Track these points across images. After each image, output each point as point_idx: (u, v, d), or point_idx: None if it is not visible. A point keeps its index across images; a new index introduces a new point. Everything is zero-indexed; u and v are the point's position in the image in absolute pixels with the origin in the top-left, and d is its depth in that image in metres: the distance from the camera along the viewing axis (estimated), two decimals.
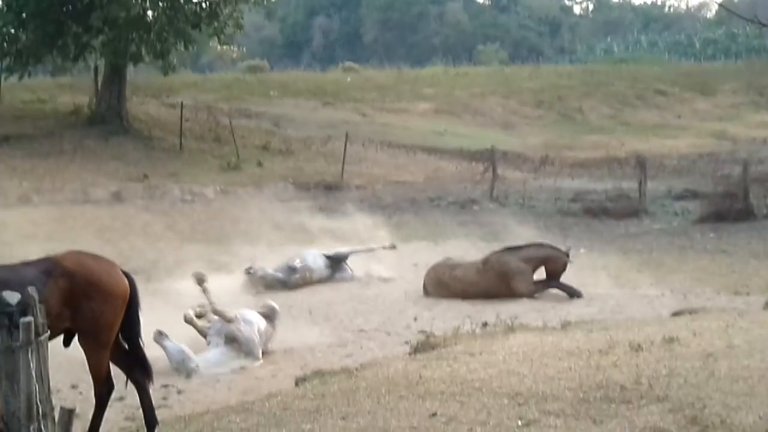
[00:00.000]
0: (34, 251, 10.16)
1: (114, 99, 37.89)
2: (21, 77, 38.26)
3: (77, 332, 9.15)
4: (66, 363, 10.14)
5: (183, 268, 20.66)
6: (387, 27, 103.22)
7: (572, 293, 17.89)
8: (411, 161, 37.53)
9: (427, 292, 18.66)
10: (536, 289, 18.26)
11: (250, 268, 19.38)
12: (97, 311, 9.04)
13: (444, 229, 26.70)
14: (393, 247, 20.59)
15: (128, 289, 9.53)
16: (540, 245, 19.16)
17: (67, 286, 8.88)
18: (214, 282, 17.74)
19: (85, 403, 10.07)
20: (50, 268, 8.97)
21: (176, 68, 43.04)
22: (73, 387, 11.85)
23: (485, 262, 18.63)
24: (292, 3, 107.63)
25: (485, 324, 13.98)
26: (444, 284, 18.48)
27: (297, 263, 19.76)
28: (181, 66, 54.76)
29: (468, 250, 22.74)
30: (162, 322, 15.35)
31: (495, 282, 18.22)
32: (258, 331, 13.86)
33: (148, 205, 29.38)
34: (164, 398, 11.75)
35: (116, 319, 9.32)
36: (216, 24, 38.71)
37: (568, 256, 18.45)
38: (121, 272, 9.63)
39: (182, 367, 13.11)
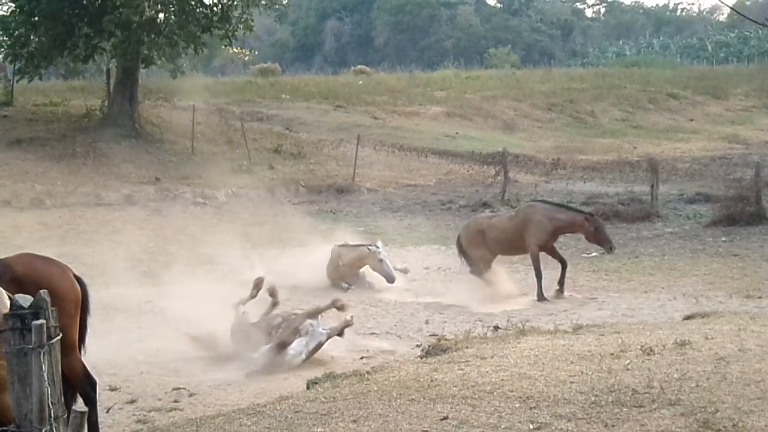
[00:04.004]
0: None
1: (126, 102, 37.99)
2: (30, 79, 38.39)
3: None
4: None
5: (194, 271, 20.73)
6: (398, 30, 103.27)
7: (541, 296, 18.11)
8: (422, 164, 37.54)
9: (460, 248, 19.50)
10: (540, 250, 18.65)
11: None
12: None
13: (455, 233, 26.64)
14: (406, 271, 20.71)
15: (80, 293, 9.48)
16: (568, 208, 19.66)
17: (17, 291, 8.81)
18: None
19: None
20: (0, 272, 8.89)
21: (186, 71, 43.18)
22: None
23: (518, 210, 19.71)
24: (303, 6, 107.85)
25: (496, 327, 13.96)
26: (481, 232, 19.10)
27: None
28: (192, 69, 54.92)
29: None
30: (171, 323, 15.41)
31: (518, 229, 18.78)
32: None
33: (159, 208, 29.43)
34: (176, 401, 11.77)
35: (72, 321, 9.24)
36: (228, 27, 38.79)
37: (590, 218, 18.76)
38: (72, 276, 9.54)
39: None
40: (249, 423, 8.46)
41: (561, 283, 18.42)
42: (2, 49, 39.11)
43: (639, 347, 10.11)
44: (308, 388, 10.55)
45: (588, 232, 18.76)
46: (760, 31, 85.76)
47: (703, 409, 7.90)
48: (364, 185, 34.12)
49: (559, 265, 18.71)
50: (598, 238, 18.82)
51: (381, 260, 19.35)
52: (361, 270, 20.07)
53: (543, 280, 18.46)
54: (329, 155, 38.04)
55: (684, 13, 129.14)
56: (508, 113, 52.78)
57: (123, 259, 22.04)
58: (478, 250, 19.13)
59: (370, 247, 19.56)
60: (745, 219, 25.93)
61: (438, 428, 7.89)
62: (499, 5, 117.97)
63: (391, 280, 19.27)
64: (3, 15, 40.18)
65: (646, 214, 28.09)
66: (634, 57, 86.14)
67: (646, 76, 63.53)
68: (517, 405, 8.34)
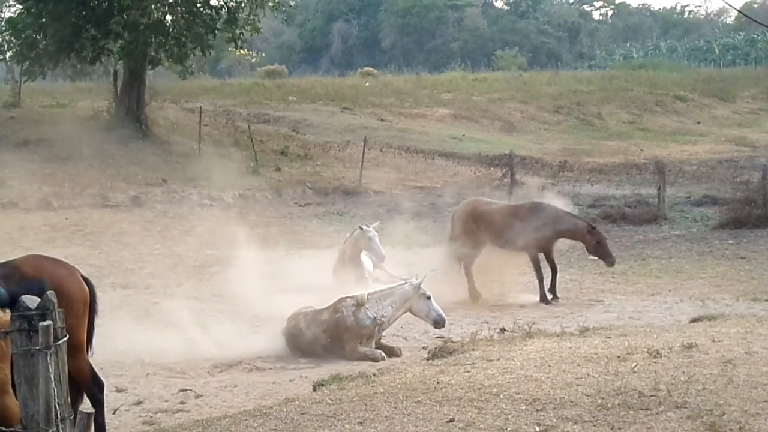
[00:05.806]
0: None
1: (133, 103, 38.01)
2: (34, 79, 38.47)
3: None
4: None
5: (202, 272, 20.75)
6: (405, 32, 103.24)
7: (543, 298, 18.06)
8: (429, 166, 37.49)
9: (452, 225, 19.49)
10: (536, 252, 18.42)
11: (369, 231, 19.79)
12: None
13: None
14: None
15: (88, 294, 9.50)
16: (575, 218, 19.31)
17: (25, 292, 8.78)
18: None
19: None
20: (8, 274, 8.88)
21: (194, 73, 43.17)
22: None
23: (520, 206, 19.28)
24: (311, 8, 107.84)
25: (503, 329, 13.96)
26: (476, 214, 18.93)
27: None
28: (200, 71, 54.92)
29: (486, 255, 22.71)
30: (178, 324, 15.42)
31: (518, 225, 18.47)
32: None
33: (166, 210, 29.44)
34: (182, 402, 11.77)
35: (79, 322, 9.24)
36: (234, 28, 38.80)
37: (592, 229, 18.53)
38: (80, 277, 9.56)
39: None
40: (255, 425, 8.48)
41: (553, 289, 18.37)
42: (10, 51, 39.17)
43: (645, 350, 10.11)
44: (314, 390, 10.57)
45: (590, 244, 18.65)
46: (767, 34, 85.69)
47: (709, 412, 7.90)
48: (371, 187, 34.09)
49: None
50: (600, 251, 18.74)
51: (370, 239, 19.44)
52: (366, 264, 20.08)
53: (549, 283, 18.44)
54: (336, 157, 38.02)
55: (691, 16, 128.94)
56: (514, 115, 52.71)
57: (130, 260, 22.08)
58: (466, 231, 19.02)
59: (362, 227, 19.82)
60: (752, 222, 25.92)
61: (444, 430, 7.90)
62: (506, 7, 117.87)
63: (380, 259, 19.67)
64: (11, 16, 40.27)
65: (653, 216, 28.06)
66: (641, 59, 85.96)
67: (653, 79, 63.43)
68: (524, 407, 8.35)
